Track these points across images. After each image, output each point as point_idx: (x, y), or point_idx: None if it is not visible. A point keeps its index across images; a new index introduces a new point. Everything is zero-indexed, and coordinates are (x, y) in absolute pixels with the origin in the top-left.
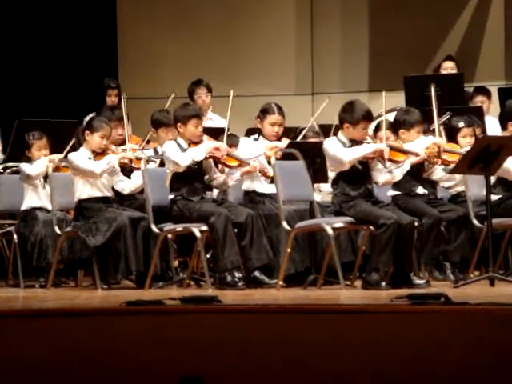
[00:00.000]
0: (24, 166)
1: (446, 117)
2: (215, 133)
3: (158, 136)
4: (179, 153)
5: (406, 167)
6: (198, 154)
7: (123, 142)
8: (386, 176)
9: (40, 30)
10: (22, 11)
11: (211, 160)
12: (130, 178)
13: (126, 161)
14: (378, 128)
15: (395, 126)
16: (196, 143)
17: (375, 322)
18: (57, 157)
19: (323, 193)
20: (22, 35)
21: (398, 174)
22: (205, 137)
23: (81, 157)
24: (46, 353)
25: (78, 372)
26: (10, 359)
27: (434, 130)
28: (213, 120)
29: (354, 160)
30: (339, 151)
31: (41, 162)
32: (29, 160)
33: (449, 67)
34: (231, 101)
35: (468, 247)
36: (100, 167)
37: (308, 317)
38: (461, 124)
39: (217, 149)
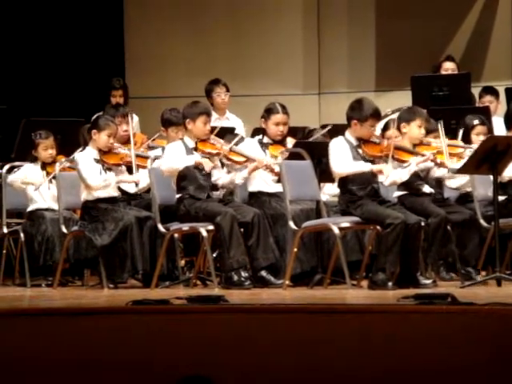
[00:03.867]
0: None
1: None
2: (223, 132)
3: (167, 135)
4: (175, 157)
5: (413, 168)
6: (186, 161)
7: (128, 139)
8: (392, 177)
9: (47, 30)
10: (29, 11)
11: (217, 159)
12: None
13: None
14: (385, 127)
15: (398, 123)
16: (202, 141)
17: (381, 322)
18: (38, 183)
19: (327, 195)
20: (29, 35)
21: (405, 174)
22: (212, 137)
23: (86, 161)
24: (52, 352)
25: (84, 371)
26: (15, 358)
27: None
28: (230, 120)
29: (345, 174)
30: (336, 160)
31: (21, 171)
32: (35, 159)
33: (449, 68)
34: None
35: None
36: (96, 182)
37: (314, 316)
38: (475, 121)
39: (199, 163)
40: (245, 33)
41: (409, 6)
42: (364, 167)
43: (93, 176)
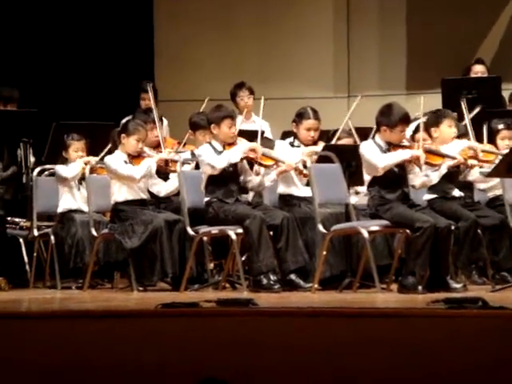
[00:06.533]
0: (59, 168)
1: (476, 109)
2: (250, 135)
3: (195, 138)
4: (215, 155)
5: (443, 171)
6: (234, 155)
7: (159, 145)
8: (422, 179)
9: (77, 33)
10: (58, 13)
11: (245, 162)
12: (165, 181)
13: (162, 163)
14: (415, 130)
15: (427, 128)
16: (230, 145)
17: (411, 326)
18: (93, 159)
19: (361, 194)
20: (59, 38)
21: (435, 177)
22: (239, 139)
23: (118, 161)
24: (82, 353)
25: (113, 373)
26: (45, 359)
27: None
28: (256, 123)
29: (389, 166)
30: (374, 156)
31: (76, 164)
32: (65, 161)
33: (479, 71)
34: (262, 107)
35: None
36: (139, 172)
37: (343, 320)
38: (500, 126)
39: (252, 150)
40: (274, 36)
41: (440, 8)
42: (403, 154)
43: (131, 169)
